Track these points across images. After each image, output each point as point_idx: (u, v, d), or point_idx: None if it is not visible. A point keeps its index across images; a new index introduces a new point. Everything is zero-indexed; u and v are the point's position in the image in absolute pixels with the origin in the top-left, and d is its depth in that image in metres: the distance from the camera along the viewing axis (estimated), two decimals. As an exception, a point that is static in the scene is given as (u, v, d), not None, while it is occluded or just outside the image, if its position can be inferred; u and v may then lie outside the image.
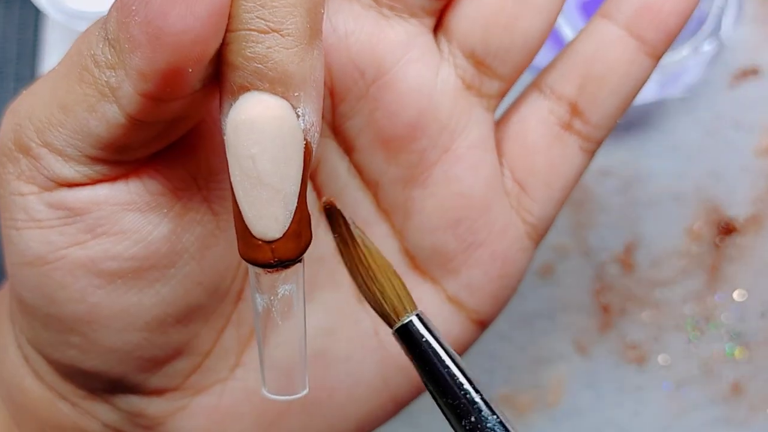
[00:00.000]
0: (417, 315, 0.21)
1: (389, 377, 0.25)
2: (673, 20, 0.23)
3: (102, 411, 0.23)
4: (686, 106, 0.39)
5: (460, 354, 0.26)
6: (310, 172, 0.19)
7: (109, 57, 0.18)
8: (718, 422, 0.38)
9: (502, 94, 0.24)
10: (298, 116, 0.18)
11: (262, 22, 0.17)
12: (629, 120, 0.39)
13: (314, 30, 0.18)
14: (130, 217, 0.20)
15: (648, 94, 0.37)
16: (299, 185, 0.18)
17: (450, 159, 0.24)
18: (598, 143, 0.25)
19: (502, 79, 0.24)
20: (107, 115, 0.19)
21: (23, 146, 0.20)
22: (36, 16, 0.40)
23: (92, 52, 0.18)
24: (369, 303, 0.22)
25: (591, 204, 0.39)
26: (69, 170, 0.20)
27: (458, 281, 0.24)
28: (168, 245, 0.21)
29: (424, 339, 0.21)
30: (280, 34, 0.17)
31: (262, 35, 0.17)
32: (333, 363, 0.24)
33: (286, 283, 0.19)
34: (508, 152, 0.25)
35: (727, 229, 0.39)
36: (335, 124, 0.24)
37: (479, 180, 0.24)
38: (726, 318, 0.38)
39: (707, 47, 0.35)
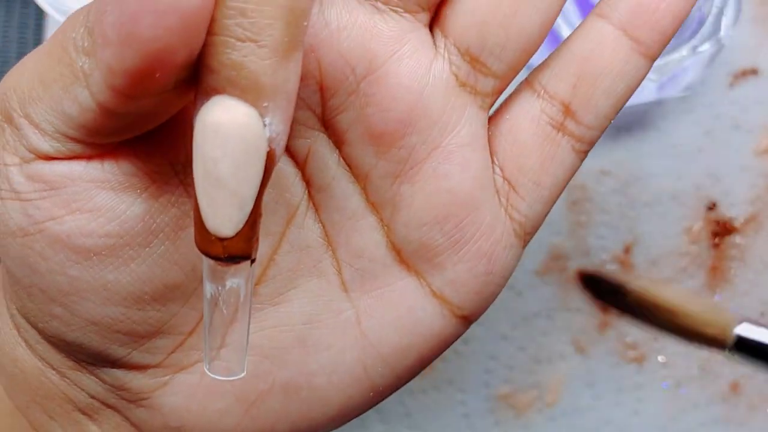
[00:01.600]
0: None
1: (370, 367, 0.25)
2: (668, 21, 0.23)
3: (88, 382, 0.24)
4: (685, 106, 0.39)
5: (444, 349, 0.26)
6: (270, 179, 0.20)
7: (86, 44, 0.19)
8: (716, 422, 0.38)
9: (498, 92, 0.24)
10: (264, 125, 0.18)
11: (240, 30, 0.18)
12: (629, 120, 0.39)
13: (293, 43, 0.18)
14: (103, 195, 0.21)
15: (647, 94, 0.37)
16: (257, 190, 0.19)
17: (439, 155, 0.24)
18: (591, 144, 0.25)
19: (498, 77, 0.24)
20: (79, 99, 0.19)
21: (7, 116, 0.20)
22: (36, 16, 0.40)
23: (73, 36, 0.19)
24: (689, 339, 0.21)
25: (590, 204, 0.39)
26: (44, 144, 0.20)
27: (443, 277, 0.25)
28: (142, 224, 0.21)
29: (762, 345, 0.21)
30: (257, 45, 0.18)
31: (239, 43, 0.18)
32: (313, 349, 0.25)
33: (235, 277, 0.20)
34: (500, 150, 0.25)
35: (726, 229, 0.39)
36: (325, 117, 0.24)
37: (468, 177, 0.24)
38: (725, 318, 0.39)
39: (706, 47, 0.35)
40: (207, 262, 0.20)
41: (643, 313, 0.21)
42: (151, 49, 0.17)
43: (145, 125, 0.21)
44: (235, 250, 0.19)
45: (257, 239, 0.20)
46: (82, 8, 0.20)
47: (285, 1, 0.18)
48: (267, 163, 0.19)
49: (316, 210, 0.24)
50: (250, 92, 0.18)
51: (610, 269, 0.39)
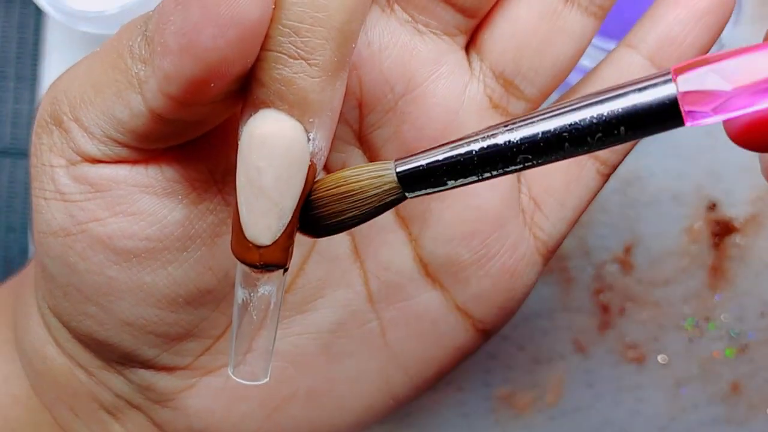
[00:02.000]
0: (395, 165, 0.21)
1: (391, 377, 0.25)
2: (694, 52, 0.24)
3: (115, 382, 0.24)
4: (686, 106, 0.39)
5: (462, 361, 0.26)
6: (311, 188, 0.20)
7: (143, 52, 0.19)
8: (717, 422, 0.38)
9: None
10: (308, 140, 0.19)
11: (293, 48, 0.18)
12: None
13: (341, 63, 0.19)
14: (146, 199, 0.21)
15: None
16: (296, 202, 0.20)
17: None
18: (614, 168, 0.26)
19: (529, 100, 0.24)
20: (131, 104, 0.20)
21: (57, 118, 0.21)
22: (36, 16, 0.40)
23: (129, 43, 0.20)
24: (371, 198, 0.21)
25: (590, 204, 0.39)
26: (92, 147, 0.21)
27: (467, 291, 0.25)
28: (181, 230, 0.22)
29: (421, 167, 0.20)
30: (308, 63, 0.18)
31: (291, 60, 0.18)
32: (337, 358, 0.25)
33: (267, 284, 0.21)
34: (528, 170, 0.25)
35: (726, 229, 0.39)
36: (362, 133, 0.24)
37: (496, 196, 0.25)
38: (726, 318, 0.39)
39: (706, 47, 0.35)
40: (242, 269, 0.21)
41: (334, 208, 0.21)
42: (210, 60, 0.18)
43: (191, 133, 0.21)
44: (270, 259, 0.20)
45: (292, 249, 0.20)
46: (138, 17, 0.20)
47: (337, 23, 0.18)
48: (307, 176, 0.19)
49: None
50: (297, 107, 0.19)
51: (611, 269, 0.39)
